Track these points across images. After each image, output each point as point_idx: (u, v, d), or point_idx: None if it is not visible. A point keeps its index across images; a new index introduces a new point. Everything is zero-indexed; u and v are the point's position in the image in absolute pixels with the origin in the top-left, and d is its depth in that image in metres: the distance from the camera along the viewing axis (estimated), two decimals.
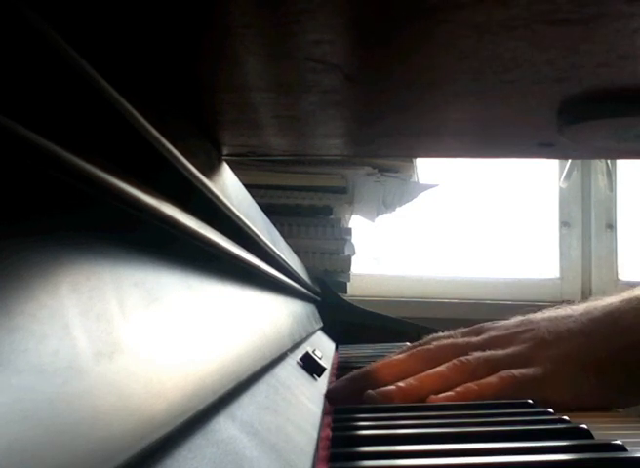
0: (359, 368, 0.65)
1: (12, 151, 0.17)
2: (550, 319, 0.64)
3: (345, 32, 0.35)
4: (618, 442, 0.38)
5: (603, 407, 0.57)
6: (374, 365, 0.64)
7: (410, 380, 0.60)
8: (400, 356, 0.65)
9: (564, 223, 1.80)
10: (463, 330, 0.69)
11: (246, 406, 0.32)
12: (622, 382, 0.58)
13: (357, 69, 0.40)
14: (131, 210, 0.24)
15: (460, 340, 0.66)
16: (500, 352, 0.62)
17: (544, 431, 0.43)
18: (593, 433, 0.41)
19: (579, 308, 0.65)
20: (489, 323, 0.69)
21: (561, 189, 1.79)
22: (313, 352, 0.60)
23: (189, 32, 0.34)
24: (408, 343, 1.11)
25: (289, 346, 0.55)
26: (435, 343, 0.66)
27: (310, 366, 0.58)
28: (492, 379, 0.58)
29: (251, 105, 0.46)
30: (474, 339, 0.65)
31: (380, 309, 1.35)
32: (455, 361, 0.61)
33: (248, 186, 0.58)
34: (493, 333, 0.66)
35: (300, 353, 0.59)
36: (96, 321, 0.18)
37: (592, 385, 0.58)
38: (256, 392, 0.35)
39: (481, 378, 0.59)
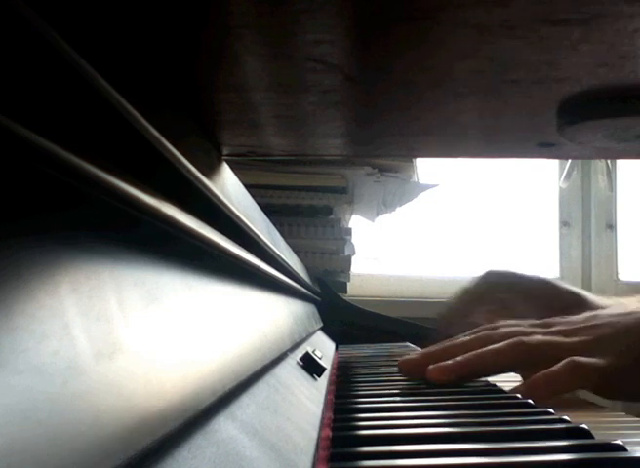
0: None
1: (13, 151, 0.17)
2: (615, 315, 0.66)
3: (345, 32, 0.35)
4: (618, 442, 0.38)
5: None
6: (441, 345, 0.66)
7: (468, 355, 0.62)
8: (465, 339, 0.67)
9: (564, 223, 1.80)
10: (532, 321, 0.70)
11: (246, 406, 0.32)
12: None
13: (357, 69, 0.40)
14: (131, 209, 0.24)
15: (528, 329, 0.67)
16: (560, 339, 0.63)
17: (544, 431, 0.43)
18: (593, 433, 0.41)
19: None
20: (558, 317, 0.70)
21: (561, 189, 1.79)
22: (313, 352, 0.60)
23: (189, 32, 0.34)
24: (408, 343, 1.11)
25: (289, 346, 0.55)
26: (503, 329, 0.67)
27: (310, 366, 0.58)
28: (558, 368, 0.58)
29: (251, 105, 0.46)
30: (539, 330, 0.67)
31: (380, 309, 1.35)
32: (515, 339, 0.63)
33: (248, 186, 0.58)
34: (560, 327, 0.67)
35: (300, 353, 0.59)
36: (96, 321, 0.18)
37: None
38: (256, 392, 0.35)
39: (538, 360, 0.60)
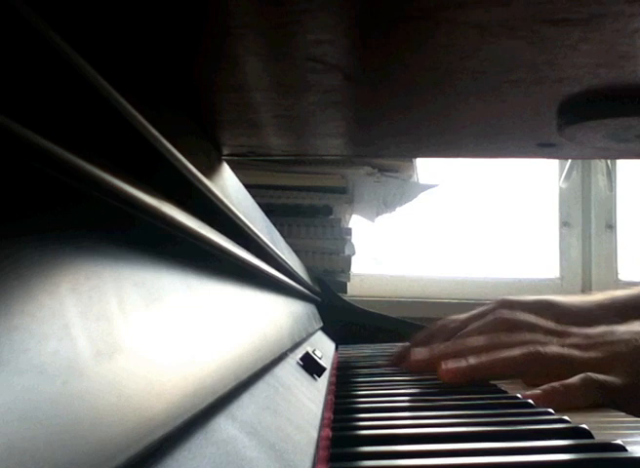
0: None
1: (12, 151, 0.17)
2: (632, 333, 0.65)
3: (345, 32, 0.35)
4: (618, 442, 0.38)
5: None
6: (456, 342, 0.67)
7: (483, 360, 0.62)
8: (480, 338, 0.67)
9: (564, 223, 1.80)
10: (544, 324, 0.70)
11: (246, 406, 0.32)
12: None
13: (357, 69, 0.40)
14: (131, 209, 0.24)
15: (543, 338, 0.66)
16: (576, 353, 0.63)
17: (544, 431, 0.43)
18: (593, 433, 0.41)
19: None
20: (575, 328, 0.70)
21: (561, 189, 1.78)
22: (313, 352, 0.60)
23: (189, 32, 0.34)
24: (408, 343, 1.11)
25: (289, 346, 0.55)
26: (519, 336, 0.66)
27: (310, 366, 0.58)
28: (575, 381, 0.58)
29: (251, 105, 0.46)
30: (555, 340, 0.66)
31: (380, 309, 1.35)
32: (531, 348, 0.62)
33: (248, 186, 0.58)
34: (576, 340, 0.66)
35: (300, 353, 0.59)
36: (96, 321, 0.18)
37: None
38: (256, 392, 0.35)
39: (553, 373, 0.60)
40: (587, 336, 0.67)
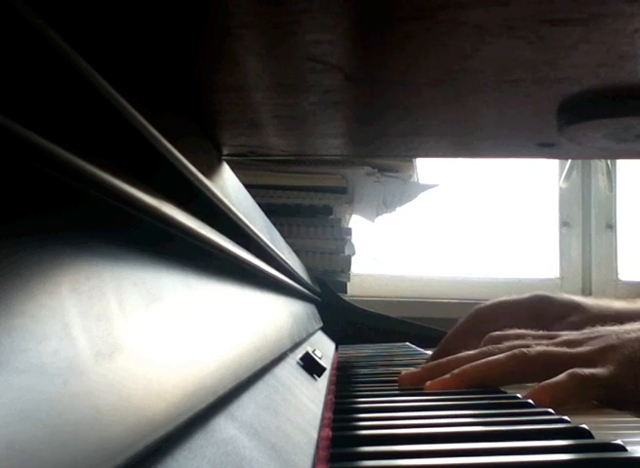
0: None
1: (12, 151, 0.17)
2: (623, 328, 0.64)
3: (345, 32, 0.35)
4: (618, 442, 0.38)
5: None
6: (446, 358, 0.67)
7: (466, 367, 0.61)
8: (470, 352, 0.66)
9: (564, 223, 1.80)
10: (534, 333, 0.69)
11: (246, 406, 0.32)
12: None
13: (357, 69, 0.40)
14: (131, 209, 0.24)
15: (532, 342, 0.66)
16: (563, 349, 0.62)
17: (544, 431, 0.43)
18: (593, 433, 0.41)
19: None
20: (567, 331, 0.69)
21: (561, 189, 1.79)
22: (313, 352, 0.60)
23: (189, 32, 0.34)
24: (408, 343, 1.11)
25: (289, 346, 0.55)
26: (506, 343, 0.66)
27: (310, 366, 0.58)
28: (560, 378, 0.57)
29: (251, 105, 0.46)
30: (544, 342, 0.65)
31: (380, 309, 1.35)
32: (515, 351, 0.62)
33: (248, 186, 0.58)
34: (565, 338, 0.66)
35: (300, 353, 0.59)
36: (96, 321, 0.18)
37: None
38: (256, 392, 0.35)
39: (540, 371, 0.59)
40: (577, 334, 0.66)
